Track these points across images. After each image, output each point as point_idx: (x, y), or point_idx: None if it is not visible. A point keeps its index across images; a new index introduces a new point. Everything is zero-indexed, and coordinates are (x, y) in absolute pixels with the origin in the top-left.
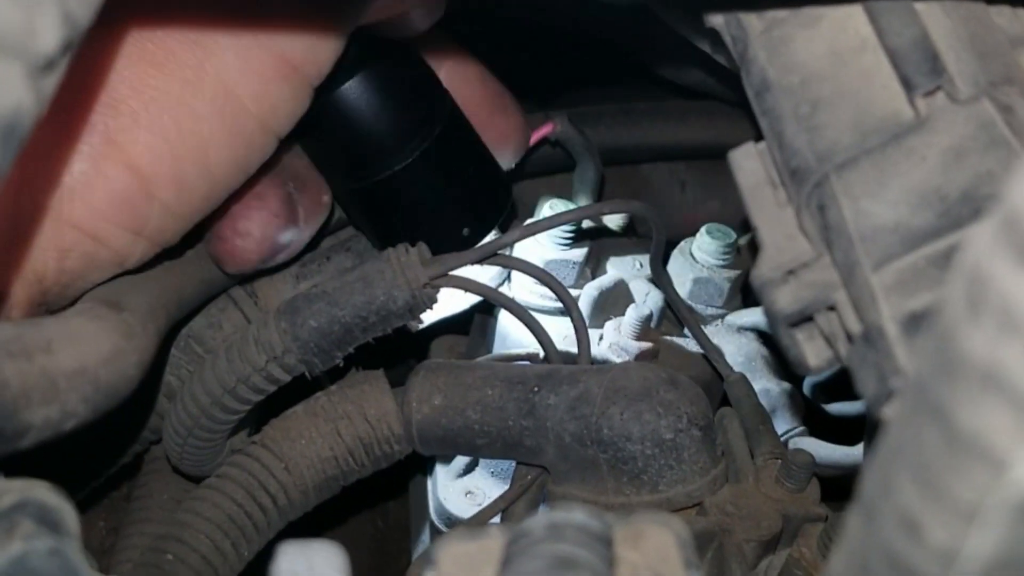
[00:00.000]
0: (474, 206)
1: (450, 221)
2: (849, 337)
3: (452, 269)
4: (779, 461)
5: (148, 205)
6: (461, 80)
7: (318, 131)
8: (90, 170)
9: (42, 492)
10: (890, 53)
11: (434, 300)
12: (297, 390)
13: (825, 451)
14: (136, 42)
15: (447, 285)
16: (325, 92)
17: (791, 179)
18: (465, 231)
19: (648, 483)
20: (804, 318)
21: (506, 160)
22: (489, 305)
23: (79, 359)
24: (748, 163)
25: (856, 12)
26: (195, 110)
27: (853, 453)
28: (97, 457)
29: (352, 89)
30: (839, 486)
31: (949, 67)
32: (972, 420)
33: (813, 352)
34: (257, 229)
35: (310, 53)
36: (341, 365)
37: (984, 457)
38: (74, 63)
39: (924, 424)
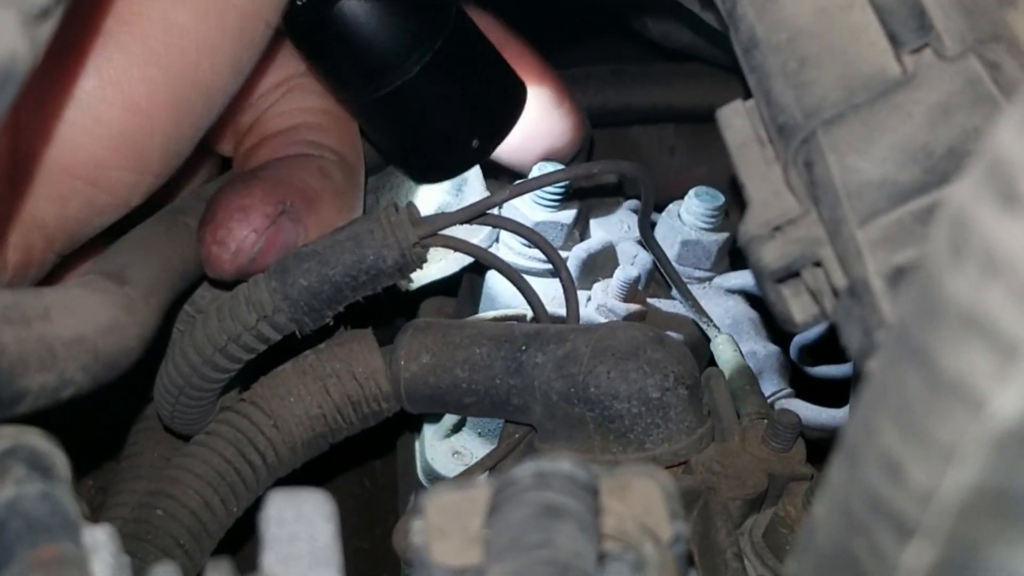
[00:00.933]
0: (482, 118)
1: (458, 133)
2: (835, 292)
3: (442, 228)
4: (765, 421)
5: (150, 141)
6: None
7: (321, 46)
8: (87, 118)
9: (33, 438)
10: (877, 9)
11: (424, 259)
12: (286, 348)
13: (811, 413)
14: None
15: (437, 244)
16: (326, 5)
17: (778, 136)
18: (475, 143)
19: (635, 441)
20: (790, 274)
21: (562, 156)
22: (478, 266)
23: (78, 328)
24: (736, 121)
25: None
26: (182, 25)
27: (839, 415)
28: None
29: (351, 3)
30: (825, 448)
31: (936, 24)
32: (954, 362)
33: (799, 308)
34: (233, 242)
35: None
36: (331, 324)
37: (965, 398)
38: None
39: (907, 368)
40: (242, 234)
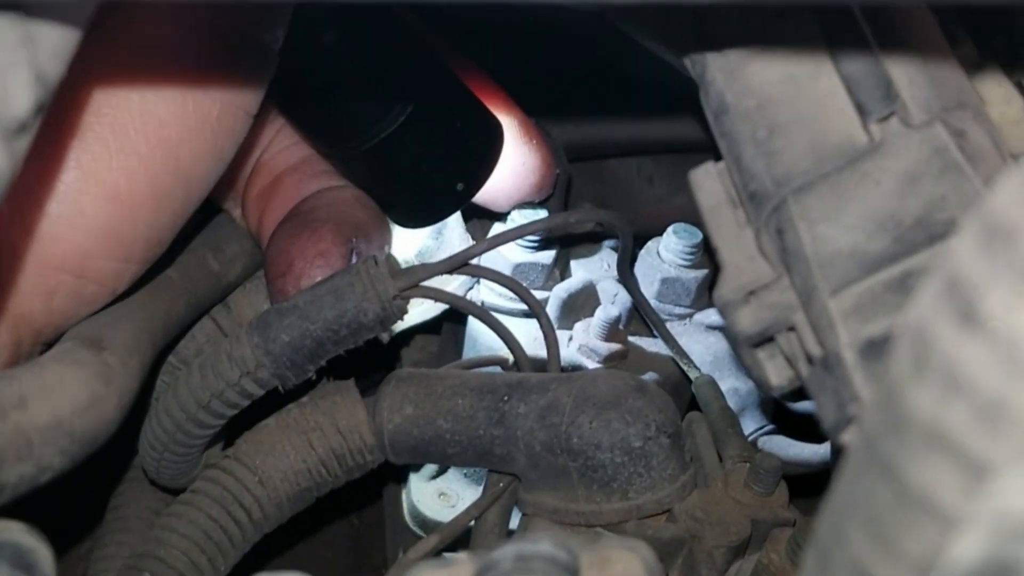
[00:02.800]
0: (465, 162)
1: (441, 179)
2: (809, 358)
3: (421, 280)
4: (747, 465)
5: (132, 230)
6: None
7: (298, 104)
8: (69, 210)
9: (17, 534)
10: (844, 79)
11: (404, 311)
12: (269, 402)
13: (794, 449)
14: (83, 69)
15: (417, 296)
16: (306, 61)
17: (750, 202)
18: (459, 186)
19: (618, 490)
20: (765, 338)
21: (532, 196)
22: (459, 313)
23: (54, 412)
24: (708, 183)
25: (812, 37)
26: (158, 115)
27: (821, 451)
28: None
29: (331, 60)
30: (808, 484)
31: (902, 92)
32: (919, 477)
33: (775, 371)
34: None
35: (264, 17)
36: (313, 378)
37: (932, 513)
38: None
39: (874, 479)
40: (325, 276)
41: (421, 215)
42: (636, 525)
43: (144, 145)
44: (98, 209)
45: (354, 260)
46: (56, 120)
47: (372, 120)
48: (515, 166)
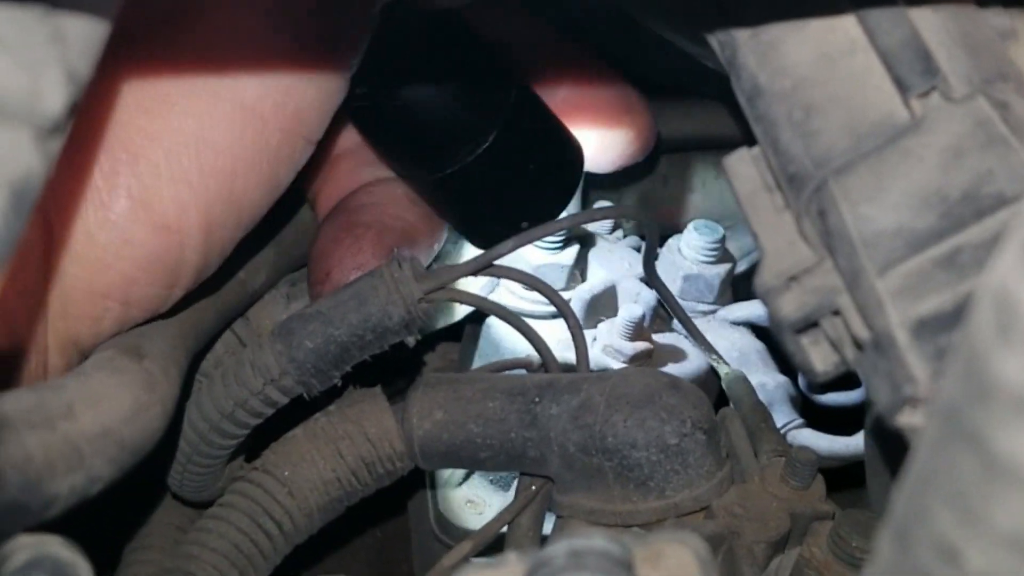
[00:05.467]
0: (534, 202)
1: (507, 217)
2: (855, 341)
3: (447, 283)
4: (783, 459)
5: (180, 259)
6: (584, 79)
7: (377, 130)
8: (118, 239)
9: (56, 547)
10: (881, 54)
11: (430, 315)
12: (293, 411)
13: (824, 443)
14: (147, 82)
15: (442, 298)
16: (385, 93)
17: (789, 185)
18: (523, 224)
19: (655, 489)
20: (809, 324)
21: (635, 159)
22: (478, 314)
23: (102, 421)
24: (743, 169)
25: (845, 11)
26: (215, 144)
27: (852, 444)
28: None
29: (410, 93)
30: (838, 476)
31: (942, 66)
32: (1009, 445)
33: (820, 357)
34: None
35: (337, 36)
36: (339, 384)
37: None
38: (85, 123)
39: (958, 451)
40: None
41: (476, 240)
42: (674, 523)
43: (197, 174)
44: (146, 238)
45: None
46: (110, 144)
47: (443, 155)
48: (614, 135)
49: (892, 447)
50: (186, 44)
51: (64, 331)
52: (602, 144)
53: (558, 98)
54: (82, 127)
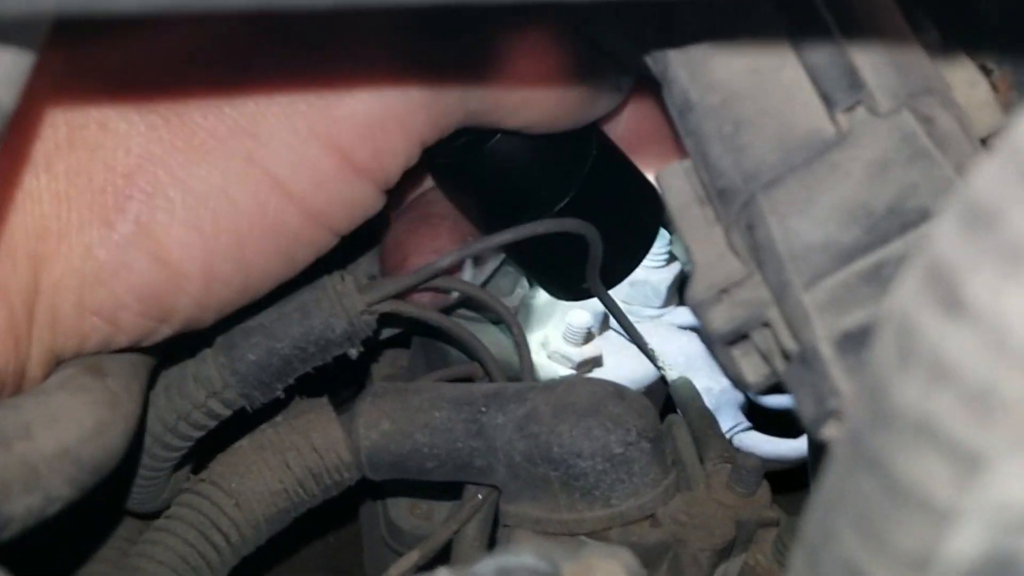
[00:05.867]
0: (610, 256)
1: (574, 277)
2: (784, 353)
3: (389, 295)
4: (729, 466)
5: (175, 297)
6: (644, 112)
7: (458, 187)
8: (116, 259)
9: None
10: (808, 69)
11: (373, 327)
12: (240, 422)
13: (770, 446)
14: (186, 126)
15: (385, 310)
16: (468, 153)
17: (719, 199)
18: (584, 286)
19: (600, 498)
20: (740, 336)
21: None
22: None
23: (61, 440)
24: (676, 182)
25: (775, 28)
26: (236, 203)
27: (798, 446)
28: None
29: (494, 151)
30: (784, 479)
31: (868, 81)
32: (910, 470)
33: (751, 369)
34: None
35: (375, 159)
36: (282, 397)
37: (925, 508)
38: (112, 145)
39: (862, 475)
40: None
41: (553, 293)
42: (620, 532)
43: (210, 226)
44: (144, 268)
45: (467, 261)
46: (133, 172)
47: (522, 213)
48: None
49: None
50: (232, 106)
51: (49, 343)
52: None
53: (620, 128)
54: (107, 146)
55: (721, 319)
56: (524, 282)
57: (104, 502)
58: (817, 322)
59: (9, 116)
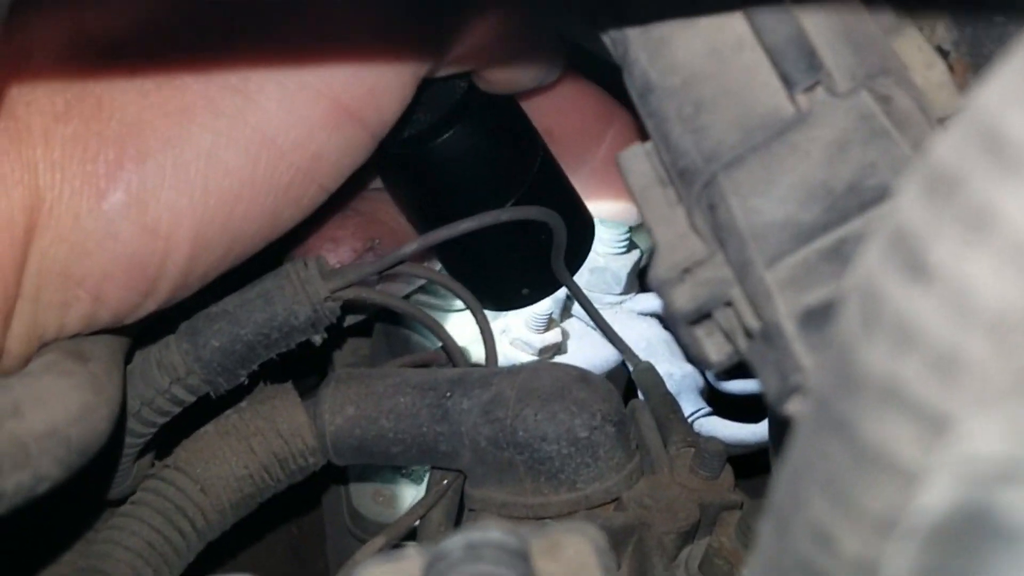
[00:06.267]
0: (539, 273)
1: (512, 282)
2: (747, 332)
3: (353, 282)
4: (692, 450)
5: (161, 268)
6: (626, 142)
7: (399, 184)
8: (104, 228)
9: None
10: (768, 50)
11: (336, 313)
12: (204, 407)
13: (731, 431)
14: (176, 88)
15: (348, 297)
16: (411, 143)
17: (680, 180)
18: (524, 291)
19: (566, 482)
20: (703, 315)
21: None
22: (390, 313)
23: (50, 420)
24: (637, 165)
25: (733, 9)
26: (226, 164)
27: (758, 431)
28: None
29: (438, 148)
30: (745, 464)
31: (826, 61)
32: (876, 433)
33: (714, 348)
34: None
35: (369, 99)
36: (246, 383)
37: (891, 469)
38: (107, 112)
39: (829, 439)
40: (330, 264)
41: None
42: (585, 515)
43: (200, 190)
44: (132, 237)
45: (370, 258)
46: (123, 136)
47: (457, 212)
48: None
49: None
50: (222, 65)
51: (31, 316)
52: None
53: (594, 160)
54: (101, 115)
55: (684, 298)
56: None
57: (69, 489)
58: (779, 299)
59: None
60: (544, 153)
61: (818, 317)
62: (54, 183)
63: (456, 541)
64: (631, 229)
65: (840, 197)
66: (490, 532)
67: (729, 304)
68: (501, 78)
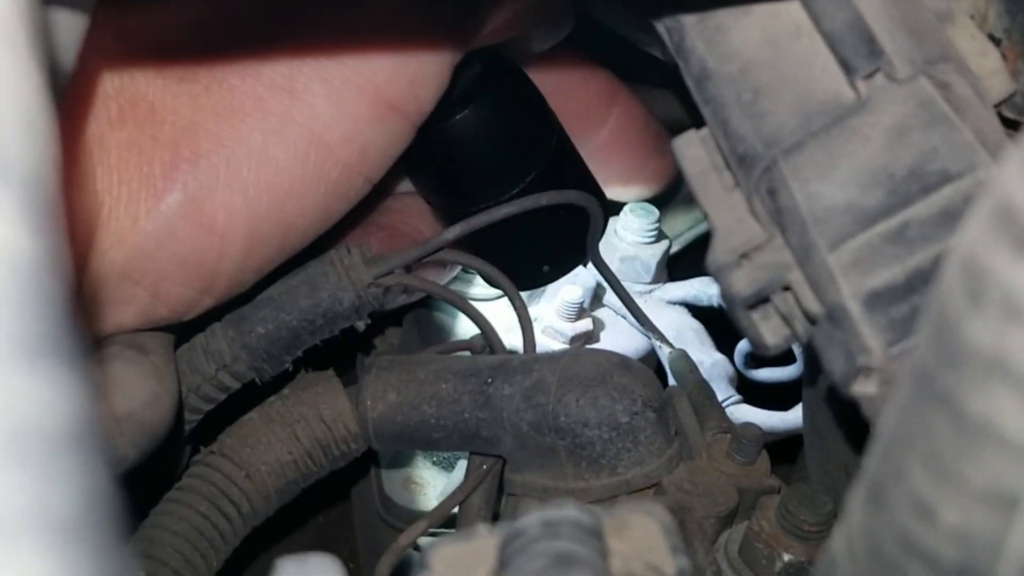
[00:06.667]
0: (560, 249)
1: (533, 260)
2: (806, 315)
3: (395, 268)
4: (728, 435)
5: (218, 265)
6: (628, 124)
7: (417, 162)
8: (162, 230)
9: None
10: (826, 37)
11: (379, 299)
12: (246, 395)
13: (761, 418)
14: (225, 90)
15: (392, 283)
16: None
17: (739, 165)
18: (545, 268)
19: (607, 467)
20: (760, 299)
21: (647, 194)
22: (422, 299)
23: (127, 404)
24: (692, 150)
25: None
26: (277, 162)
27: (788, 418)
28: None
29: (455, 126)
30: (775, 450)
31: (886, 48)
32: (981, 406)
33: (770, 331)
34: None
35: (410, 90)
36: (290, 369)
37: (995, 441)
38: (160, 116)
39: (932, 412)
40: None
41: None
42: (626, 500)
43: (253, 187)
44: (189, 236)
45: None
46: (176, 139)
47: (481, 193)
48: (649, 172)
49: (834, 420)
50: (268, 64)
51: (90, 314)
52: (631, 183)
53: (597, 141)
54: (155, 119)
55: (742, 283)
56: None
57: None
58: (843, 282)
59: (68, 78)
60: (560, 130)
61: (884, 299)
62: (111, 188)
63: (532, 519)
64: (660, 218)
65: (902, 181)
66: (566, 510)
67: (787, 288)
68: (522, 44)
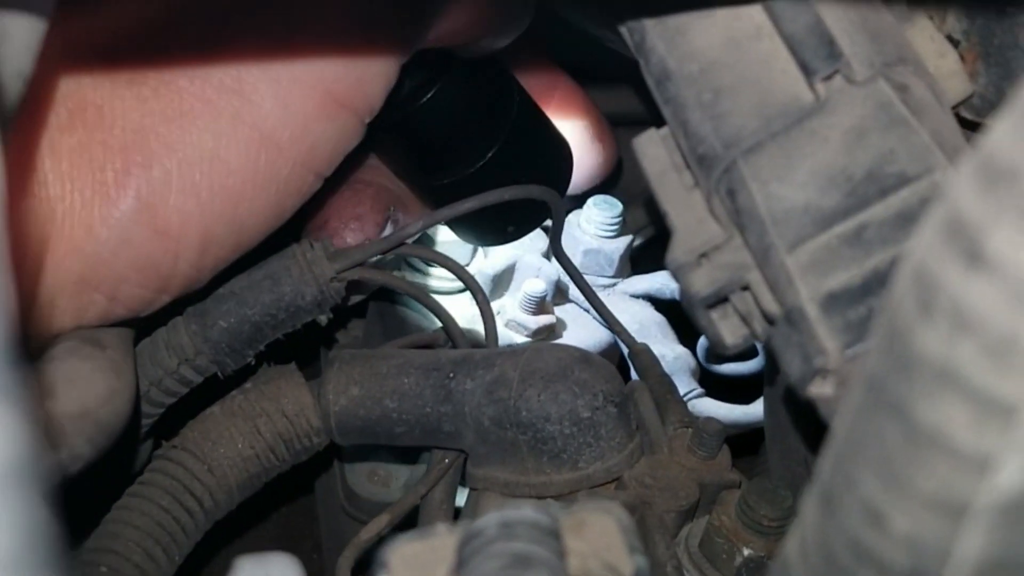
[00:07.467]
0: (522, 212)
1: (495, 222)
2: (765, 315)
3: (358, 263)
4: (690, 430)
5: (173, 267)
6: (568, 109)
7: (389, 144)
8: (117, 236)
9: None
10: (786, 39)
11: (342, 294)
12: (208, 389)
13: (724, 411)
14: (174, 93)
15: (353, 277)
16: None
17: (698, 165)
18: (509, 229)
19: (568, 461)
20: (719, 299)
21: (599, 180)
22: (383, 292)
23: (81, 401)
24: (652, 149)
25: None
26: (228, 164)
27: (749, 412)
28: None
29: (422, 109)
30: (737, 444)
31: (845, 50)
32: (930, 415)
33: (729, 331)
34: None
35: (359, 88)
36: (252, 363)
37: (944, 450)
38: (108, 121)
39: (882, 420)
40: (356, 241)
41: (468, 240)
42: (587, 495)
43: (206, 190)
44: (144, 241)
45: (389, 229)
46: (128, 145)
47: (450, 165)
48: (586, 164)
49: (795, 416)
50: (216, 65)
51: (46, 320)
52: (577, 168)
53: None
54: (104, 124)
55: (701, 282)
56: (480, 253)
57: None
58: (801, 283)
59: (28, 83)
60: (520, 94)
61: (841, 301)
62: (64, 195)
63: (490, 519)
64: (623, 212)
65: (860, 183)
66: (524, 511)
67: (746, 288)
68: (477, 48)
